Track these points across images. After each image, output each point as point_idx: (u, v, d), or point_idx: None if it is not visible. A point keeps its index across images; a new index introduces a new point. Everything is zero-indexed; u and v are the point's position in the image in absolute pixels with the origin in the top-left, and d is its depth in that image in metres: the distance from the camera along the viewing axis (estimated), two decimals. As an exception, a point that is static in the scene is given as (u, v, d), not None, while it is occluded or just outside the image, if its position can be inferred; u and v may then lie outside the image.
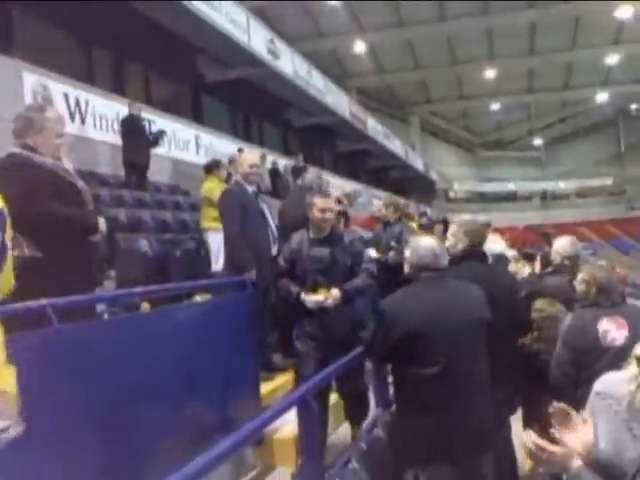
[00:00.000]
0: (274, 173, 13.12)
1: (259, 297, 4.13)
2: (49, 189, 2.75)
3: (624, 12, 22.58)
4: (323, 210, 3.55)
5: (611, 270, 3.21)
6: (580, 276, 3.16)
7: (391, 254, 5.42)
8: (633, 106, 36.11)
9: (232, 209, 4.31)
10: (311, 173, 5.40)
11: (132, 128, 8.79)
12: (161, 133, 9.47)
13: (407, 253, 2.88)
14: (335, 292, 3.41)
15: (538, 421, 3.15)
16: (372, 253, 5.24)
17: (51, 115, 3.01)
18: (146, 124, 9.67)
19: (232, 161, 6.97)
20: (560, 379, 2.98)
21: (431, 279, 2.79)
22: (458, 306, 2.76)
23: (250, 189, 4.45)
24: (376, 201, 24.41)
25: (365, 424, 3.15)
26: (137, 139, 8.80)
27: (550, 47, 26.73)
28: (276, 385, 4.17)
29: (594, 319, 2.93)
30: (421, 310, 2.69)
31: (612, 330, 2.85)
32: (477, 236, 3.40)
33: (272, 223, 4.50)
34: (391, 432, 2.90)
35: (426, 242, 2.90)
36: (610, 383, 1.72)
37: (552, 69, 29.61)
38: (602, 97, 33.50)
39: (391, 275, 4.62)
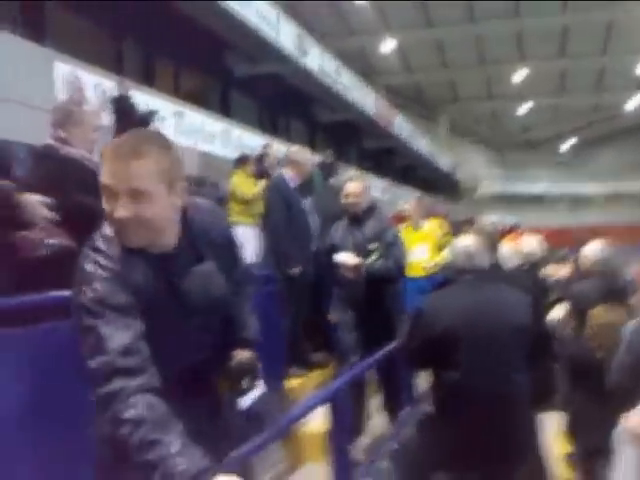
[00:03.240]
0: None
1: (299, 293, 4.22)
2: (74, 181, 2.76)
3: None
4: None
5: None
6: None
7: (372, 259, 3.96)
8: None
9: (278, 203, 4.33)
10: (344, 175, 5.41)
11: (121, 108, 8.25)
12: (151, 114, 8.97)
13: (446, 253, 2.86)
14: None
15: (588, 431, 3.11)
16: (344, 258, 3.92)
17: (89, 109, 3.04)
18: (137, 105, 9.22)
19: (265, 155, 6.98)
20: (618, 385, 2.88)
21: (468, 281, 2.73)
22: (493, 310, 2.69)
23: (292, 184, 4.47)
24: (402, 199, 24.32)
25: (396, 423, 3.13)
26: (126, 119, 8.07)
27: (582, 51, 26.29)
28: (308, 380, 4.16)
29: None
30: (452, 312, 2.65)
31: None
32: (490, 240, 3.37)
33: (311, 220, 4.52)
34: (424, 433, 2.88)
35: (462, 242, 2.85)
36: None
37: (583, 73, 29.13)
38: (633, 103, 32.87)
39: (374, 289, 3.95)
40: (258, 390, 1.76)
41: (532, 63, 27.41)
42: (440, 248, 5.62)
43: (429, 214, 6.66)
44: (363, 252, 3.90)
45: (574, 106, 34.25)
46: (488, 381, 2.60)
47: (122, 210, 1.38)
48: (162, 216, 1.43)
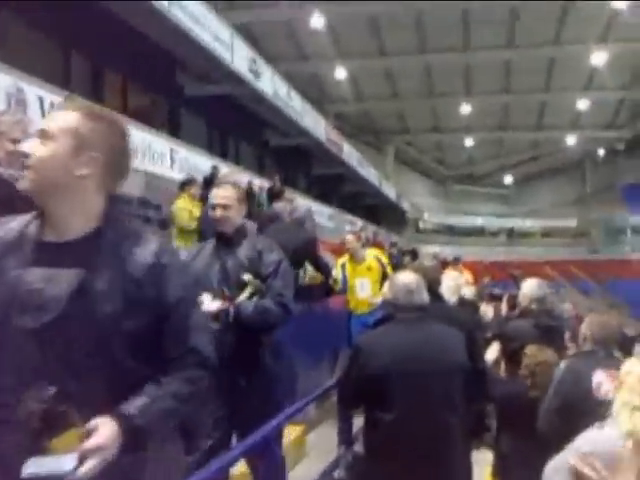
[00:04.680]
0: (248, 194, 13.04)
1: None
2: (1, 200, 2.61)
3: (598, 58, 23.35)
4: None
5: (613, 320, 3.15)
6: (582, 324, 3.10)
7: (245, 296, 2.82)
8: (600, 151, 37.18)
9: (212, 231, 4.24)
10: (302, 208, 5.39)
11: None
12: None
13: (385, 289, 2.85)
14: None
15: (514, 471, 3.13)
16: (207, 303, 2.72)
17: (6, 119, 2.89)
18: None
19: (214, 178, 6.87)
20: (547, 427, 2.90)
21: (406, 319, 2.73)
22: (429, 350, 2.70)
23: None
24: (347, 227, 24.49)
25: (327, 464, 3.09)
26: None
27: (525, 87, 27.43)
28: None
29: (589, 369, 2.81)
30: (388, 351, 2.64)
31: (606, 383, 2.71)
32: (431, 275, 3.40)
33: None
34: (353, 475, 2.85)
35: (402, 278, 2.84)
36: (601, 442, 1.59)
37: (525, 109, 30.34)
38: (571, 140, 34.42)
39: (246, 341, 2.82)
40: (64, 462, 1.15)
41: (477, 98, 28.37)
42: (382, 281, 5.64)
43: (370, 244, 6.69)
44: (234, 285, 2.78)
45: (516, 141, 35.57)
46: (422, 422, 2.59)
47: (28, 146, 1.40)
48: (55, 166, 1.36)
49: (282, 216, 5.37)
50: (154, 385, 1.35)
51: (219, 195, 2.92)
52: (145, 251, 1.39)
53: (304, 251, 4.99)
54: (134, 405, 1.30)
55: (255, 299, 2.78)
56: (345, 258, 6.04)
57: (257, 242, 2.94)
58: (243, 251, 2.87)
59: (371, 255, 6.01)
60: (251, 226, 4.19)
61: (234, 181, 3.17)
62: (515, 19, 21.39)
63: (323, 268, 5.38)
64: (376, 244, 8.51)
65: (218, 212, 2.89)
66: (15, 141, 2.81)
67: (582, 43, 22.65)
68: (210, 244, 3.00)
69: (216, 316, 2.69)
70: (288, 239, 4.95)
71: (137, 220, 1.49)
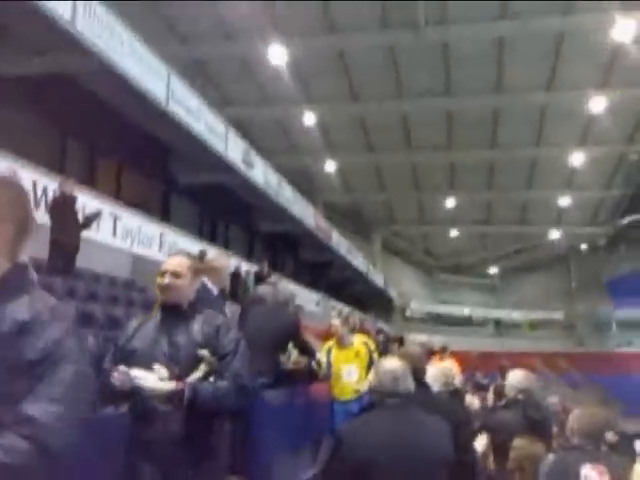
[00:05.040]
0: (235, 276, 13.05)
1: None
2: None
3: (576, 159, 24.29)
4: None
5: (600, 414, 3.09)
6: (569, 417, 3.04)
7: (198, 376, 2.49)
8: (583, 245, 37.90)
9: None
10: (282, 286, 5.36)
11: (63, 208, 8.12)
12: (95, 215, 8.78)
13: (370, 376, 2.79)
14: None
15: None
16: (155, 382, 2.44)
17: None
18: (80, 205, 8.85)
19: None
20: None
21: (390, 406, 2.66)
22: (414, 441, 2.61)
23: (215, 292, 4.39)
24: (333, 313, 24.39)
25: None
26: (68, 220, 8.05)
27: (507, 184, 28.29)
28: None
29: (576, 463, 2.77)
30: (372, 442, 2.55)
31: (594, 477, 2.69)
32: (417, 362, 3.35)
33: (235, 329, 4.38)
34: None
35: (387, 364, 2.80)
36: None
37: (509, 204, 31.18)
38: (555, 234, 35.15)
39: (198, 427, 2.46)
40: None
41: (462, 192, 29.15)
42: (369, 368, 5.52)
43: (357, 330, 6.60)
44: (186, 363, 2.45)
45: (500, 234, 36.25)
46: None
47: None
48: None
49: (266, 299, 5.34)
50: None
51: (170, 262, 2.66)
52: (21, 307, 1.34)
53: (286, 333, 4.92)
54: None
55: (211, 379, 2.45)
56: (331, 343, 5.95)
57: (214, 319, 2.62)
58: (197, 326, 2.56)
59: (359, 341, 5.93)
60: (218, 306, 4.08)
61: (188, 253, 2.91)
62: (497, 121, 22.41)
63: (309, 351, 5.29)
64: (363, 330, 8.41)
65: (167, 279, 2.59)
66: None
67: (562, 145, 23.65)
68: (154, 318, 2.66)
69: (169, 398, 2.37)
70: (270, 321, 4.90)
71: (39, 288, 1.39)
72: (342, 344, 5.79)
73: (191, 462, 2.39)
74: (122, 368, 2.39)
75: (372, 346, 5.92)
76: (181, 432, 2.39)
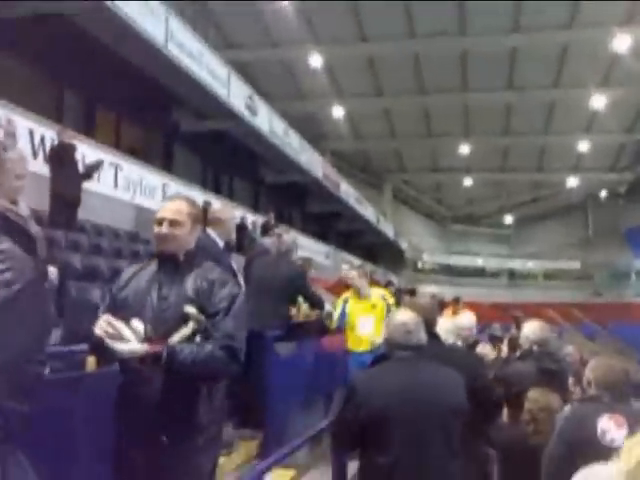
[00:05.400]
0: (240, 228, 13.09)
1: None
2: None
3: (597, 101, 23.79)
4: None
5: (618, 364, 3.08)
6: (586, 368, 3.05)
7: (183, 334, 2.31)
8: (602, 193, 37.56)
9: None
10: (287, 235, 5.39)
11: (62, 158, 8.00)
12: (96, 165, 8.66)
13: (384, 326, 2.82)
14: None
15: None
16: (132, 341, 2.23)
17: (13, 155, 2.94)
18: (80, 155, 8.76)
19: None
20: (551, 475, 2.82)
21: (403, 359, 2.70)
22: (428, 391, 2.65)
23: (221, 244, 4.40)
24: (345, 266, 24.48)
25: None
26: (68, 170, 7.95)
27: (524, 129, 27.85)
28: (228, 461, 3.96)
29: (593, 415, 2.73)
30: (385, 392, 2.60)
31: (612, 429, 2.66)
32: (428, 314, 3.37)
33: (242, 281, 4.43)
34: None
35: (399, 316, 2.82)
36: (593, 475, 1.65)
37: (525, 150, 30.76)
38: (573, 182, 34.79)
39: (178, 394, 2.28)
40: None
41: (476, 138, 28.76)
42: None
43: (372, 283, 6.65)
44: (173, 320, 2.28)
45: (516, 182, 35.92)
46: (420, 467, 2.53)
47: None
48: None
49: (270, 250, 5.38)
50: None
51: (168, 208, 2.45)
52: None
53: (291, 283, 4.96)
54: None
55: (197, 340, 2.25)
56: (348, 294, 6.02)
57: (210, 272, 2.42)
58: (191, 280, 2.36)
59: (377, 294, 5.99)
60: (217, 254, 4.07)
61: (189, 197, 2.66)
62: (514, 61, 21.87)
63: (317, 303, 5.33)
64: (372, 283, 8.46)
65: (164, 228, 2.39)
66: (19, 177, 2.86)
67: (582, 86, 23.12)
68: (150, 267, 2.47)
69: (142, 359, 2.16)
70: (274, 271, 4.95)
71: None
72: (359, 296, 5.85)
73: (170, 429, 2.20)
74: (105, 317, 2.21)
75: (390, 300, 5.97)
76: (162, 396, 2.21)
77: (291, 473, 3.92)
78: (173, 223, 2.40)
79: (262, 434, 4.47)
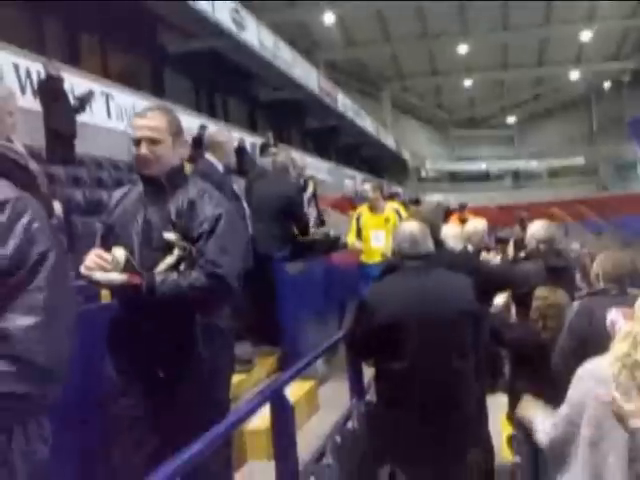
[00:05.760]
0: (239, 151, 12.97)
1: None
2: None
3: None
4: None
5: (626, 257, 3.12)
6: (594, 263, 3.09)
7: (167, 262, 2.18)
8: (606, 84, 36.67)
9: None
10: (283, 154, 5.35)
11: (51, 91, 7.80)
12: (87, 96, 8.46)
13: (391, 238, 2.86)
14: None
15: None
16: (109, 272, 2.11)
17: (2, 92, 2.89)
18: (69, 86, 8.59)
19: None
20: (561, 368, 2.86)
21: (412, 268, 2.76)
22: (437, 297, 2.73)
23: (222, 169, 4.39)
24: (347, 180, 24.46)
25: (340, 416, 3.15)
26: (59, 104, 7.77)
27: (524, 22, 26.90)
28: (249, 377, 4.13)
29: (602, 307, 2.76)
30: (397, 300, 2.68)
31: (620, 321, 2.77)
32: (432, 222, 3.41)
33: (245, 204, 4.45)
34: (367, 426, 2.91)
35: (406, 227, 2.86)
36: (593, 366, 1.80)
37: (526, 45, 29.85)
38: (575, 74, 33.95)
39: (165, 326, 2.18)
40: None
41: (475, 37, 27.88)
42: None
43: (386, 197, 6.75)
44: (158, 247, 2.15)
45: (517, 80, 35.12)
46: (433, 369, 2.65)
47: None
48: None
49: (268, 171, 5.37)
50: None
51: (144, 125, 2.20)
52: None
53: (290, 199, 4.96)
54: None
55: (181, 268, 2.10)
56: (362, 209, 6.14)
57: (192, 191, 2.23)
58: (174, 201, 2.18)
59: (390, 208, 6.08)
60: (208, 170, 4.03)
61: (164, 106, 2.44)
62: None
63: (301, 228, 5.27)
64: (386, 197, 8.54)
65: (143, 149, 2.17)
66: (11, 114, 2.82)
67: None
68: (137, 189, 2.30)
69: (123, 290, 2.08)
70: (272, 190, 4.95)
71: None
72: (373, 210, 5.95)
73: (166, 361, 2.12)
74: (94, 251, 2.10)
75: (404, 214, 6.07)
76: (154, 327, 2.11)
77: (310, 384, 4.08)
78: (153, 142, 2.19)
79: (280, 349, 4.63)
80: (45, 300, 1.22)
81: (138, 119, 2.24)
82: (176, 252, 2.12)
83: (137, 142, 2.20)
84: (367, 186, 6.13)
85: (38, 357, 1.19)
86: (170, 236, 2.12)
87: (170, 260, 2.11)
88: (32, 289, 1.21)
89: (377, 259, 5.64)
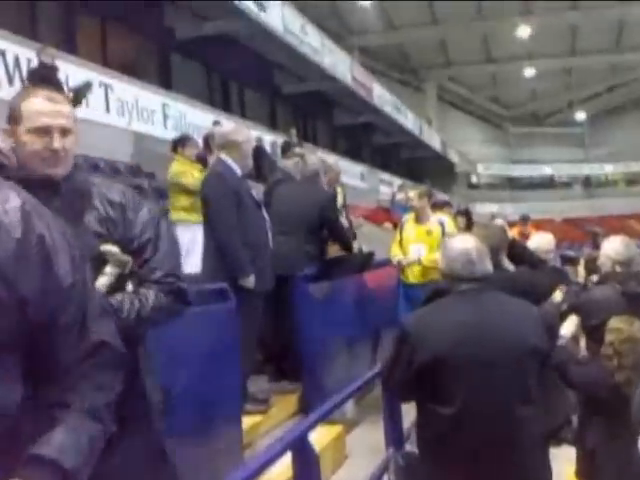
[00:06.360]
0: (257, 151, 13.07)
1: (256, 306, 4.15)
2: None
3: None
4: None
5: None
6: None
7: (103, 282, 1.95)
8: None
9: (225, 199, 4.24)
10: (313, 157, 5.39)
11: (44, 81, 7.66)
12: (86, 87, 8.64)
13: (438, 255, 2.83)
14: None
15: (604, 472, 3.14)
16: None
17: None
18: (64, 76, 8.81)
19: (211, 136, 6.94)
20: None
21: (466, 292, 2.73)
22: (497, 328, 2.68)
23: (239, 172, 4.43)
24: (383, 187, 24.49)
25: (373, 468, 3.13)
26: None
27: (596, 1, 26.76)
28: (267, 418, 4.13)
29: None
30: (447, 331, 2.64)
31: None
32: (494, 240, 3.40)
33: (267, 215, 4.50)
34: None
35: (459, 242, 2.82)
36: None
37: (598, 27, 29.64)
38: (659, 62, 33.63)
39: None
40: None
41: (538, 17, 27.83)
42: None
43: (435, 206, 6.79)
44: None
45: (589, 68, 34.85)
46: (489, 416, 2.60)
47: None
48: None
49: (293, 176, 5.40)
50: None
51: (54, 111, 1.95)
52: None
53: (321, 211, 4.99)
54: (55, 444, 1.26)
55: (129, 288, 1.96)
56: (407, 217, 6.23)
57: (114, 192, 2.04)
58: (91, 209, 1.98)
59: (436, 219, 6.12)
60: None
61: (58, 80, 2.07)
62: None
63: (343, 243, 5.34)
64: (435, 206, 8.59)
65: (56, 142, 1.93)
66: None
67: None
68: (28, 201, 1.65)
69: None
70: (299, 199, 4.97)
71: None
72: (418, 220, 6.00)
73: None
74: None
75: (451, 225, 6.10)
76: None
77: (338, 429, 4.07)
78: (65, 133, 1.96)
79: (302, 386, 4.63)
80: None
81: (46, 102, 1.97)
82: (109, 270, 1.92)
83: (45, 131, 1.94)
84: (412, 194, 6.20)
85: None
86: (107, 248, 1.92)
87: (104, 281, 1.90)
88: None
89: (417, 279, 5.65)
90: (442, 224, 6.02)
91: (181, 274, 2.07)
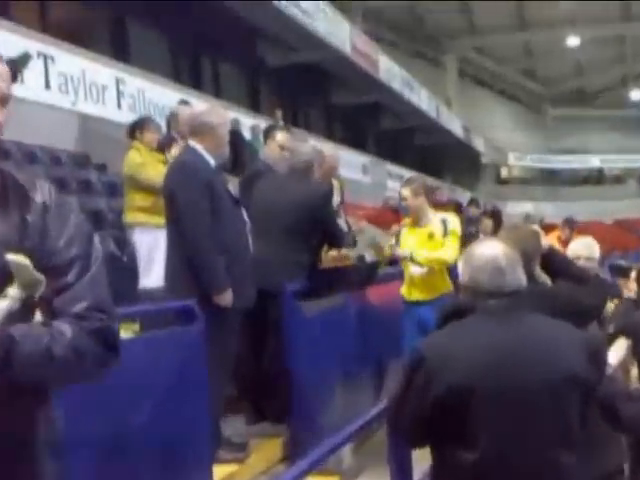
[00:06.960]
0: (235, 137, 13.10)
1: (231, 329, 4.17)
2: None
3: None
4: None
5: None
6: None
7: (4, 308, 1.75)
8: None
9: (194, 195, 4.25)
10: (305, 145, 5.41)
11: None
12: (24, 59, 8.78)
13: (460, 268, 2.83)
14: None
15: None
16: None
17: None
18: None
19: (172, 118, 6.97)
20: None
21: (493, 311, 2.74)
22: (533, 355, 2.69)
23: (213, 163, 4.45)
24: (391, 182, 24.52)
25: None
26: None
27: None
28: (245, 468, 4.15)
29: None
30: (469, 359, 2.65)
31: None
32: (527, 247, 3.42)
33: (246, 216, 4.52)
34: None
35: (485, 249, 2.84)
36: None
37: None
38: None
39: None
40: None
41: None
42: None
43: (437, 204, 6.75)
44: None
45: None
46: (522, 466, 2.61)
47: None
48: None
49: (275, 167, 5.42)
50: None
51: None
52: None
53: (312, 211, 5.00)
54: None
55: (38, 318, 1.79)
56: (406, 221, 6.19)
57: (38, 188, 1.89)
58: (24, 204, 1.84)
59: (438, 219, 6.06)
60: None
61: None
62: None
63: (336, 239, 5.36)
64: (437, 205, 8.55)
65: None
66: None
67: None
68: None
69: None
70: (285, 196, 4.99)
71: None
72: (416, 222, 5.95)
73: None
74: None
75: (454, 224, 6.02)
76: None
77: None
78: (2, 102, 1.86)
79: (288, 428, 4.64)
80: None
81: None
82: (13, 292, 1.73)
83: None
84: (405, 190, 6.08)
85: None
86: (19, 260, 1.72)
87: (4, 305, 1.71)
88: None
89: (421, 295, 5.65)
90: (444, 222, 5.95)
91: (112, 311, 1.85)
